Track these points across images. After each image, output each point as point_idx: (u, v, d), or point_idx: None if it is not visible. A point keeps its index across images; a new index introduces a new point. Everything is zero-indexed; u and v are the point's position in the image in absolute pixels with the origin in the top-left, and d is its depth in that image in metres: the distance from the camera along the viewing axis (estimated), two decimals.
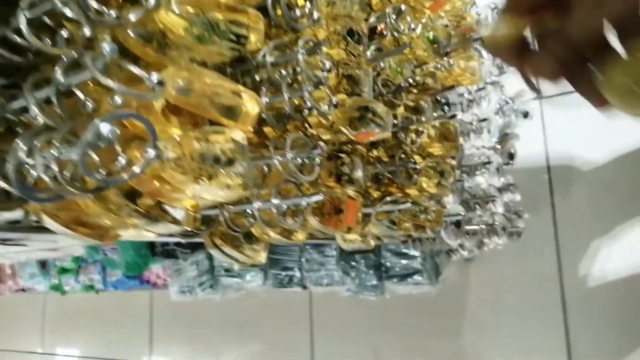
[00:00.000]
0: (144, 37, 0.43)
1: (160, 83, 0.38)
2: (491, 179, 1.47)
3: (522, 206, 1.69)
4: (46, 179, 0.41)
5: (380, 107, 0.72)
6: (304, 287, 1.93)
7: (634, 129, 1.91)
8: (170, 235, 0.71)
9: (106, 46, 0.34)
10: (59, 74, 0.38)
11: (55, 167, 0.40)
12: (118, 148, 0.42)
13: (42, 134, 0.40)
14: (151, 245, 1.79)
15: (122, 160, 0.42)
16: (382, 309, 2.16)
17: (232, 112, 0.45)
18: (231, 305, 2.23)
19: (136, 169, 0.40)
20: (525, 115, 1.76)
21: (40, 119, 0.40)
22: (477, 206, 1.49)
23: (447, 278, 1.89)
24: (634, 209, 1.88)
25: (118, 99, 0.41)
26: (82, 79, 0.38)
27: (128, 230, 0.51)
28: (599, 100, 0.52)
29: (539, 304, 1.99)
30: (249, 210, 0.69)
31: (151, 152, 0.39)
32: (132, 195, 0.48)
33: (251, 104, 0.46)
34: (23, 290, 2.58)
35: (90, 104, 0.43)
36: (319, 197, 0.62)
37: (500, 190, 1.57)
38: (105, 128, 0.34)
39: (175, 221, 0.48)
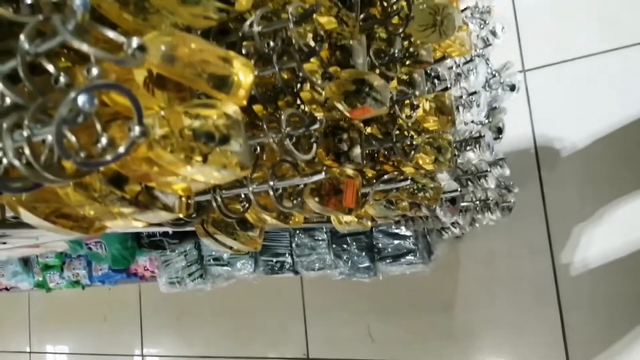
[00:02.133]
0: (120, 0, 0.38)
1: (141, 48, 0.33)
2: (483, 154, 1.45)
3: (510, 181, 1.67)
4: (18, 165, 0.36)
5: (377, 80, 0.67)
6: (296, 273, 1.90)
7: (619, 102, 1.91)
8: (160, 224, 0.67)
9: (76, 1, 0.29)
10: (24, 42, 0.33)
11: (28, 151, 0.35)
12: (99, 126, 0.37)
13: (11, 115, 0.35)
14: (137, 236, 1.74)
15: (103, 140, 0.37)
16: (374, 290, 2.14)
17: (223, 83, 0.40)
18: (222, 295, 2.20)
19: (120, 149, 0.35)
20: (513, 88, 1.74)
21: (8, 97, 0.35)
22: (469, 182, 1.47)
23: (439, 256, 1.88)
24: (620, 179, 1.88)
25: (95, 70, 0.36)
26: (51, 45, 0.33)
27: (115, 221, 0.47)
28: None
29: (530, 278, 1.99)
30: (243, 195, 0.65)
31: (136, 129, 0.35)
32: (117, 181, 0.43)
33: (244, 73, 0.41)
34: (7, 289, 2.51)
35: (63, 79, 0.38)
36: (320, 176, 0.58)
37: (491, 165, 1.55)
38: (83, 99, 0.30)
39: (166, 208, 0.44)
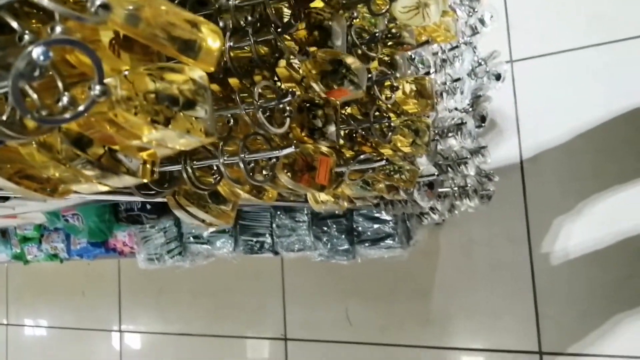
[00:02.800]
0: None
1: (105, 6, 0.33)
2: (464, 141, 1.46)
3: (492, 170, 1.69)
4: None
5: (355, 63, 0.67)
6: (276, 253, 1.90)
7: (605, 96, 1.93)
8: (130, 193, 0.66)
9: None
10: None
11: None
12: (60, 83, 0.37)
13: None
14: (115, 211, 1.72)
15: (65, 99, 0.37)
16: (353, 273, 2.16)
17: (189, 47, 0.40)
18: (201, 272, 2.20)
19: (80, 107, 0.35)
20: (498, 77, 1.74)
21: None
22: (449, 169, 1.48)
23: (418, 242, 1.90)
24: (602, 172, 1.91)
25: (58, 28, 0.36)
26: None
27: (79, 184, 0.46)
28: None
29: (507, 267, 2.02)
30: (215, 167, 0.65)
31: (97, 88, 0.34)
32: (81, 142, 0.43)
33: (212, 38, 0.41)
34: None
35: (28, 37, 0.38)
36: (290, 149, 0.58)
37: (472, 153, 1.56)
38: (37, 52, 0.29)
39: (130, 172, 0.44)
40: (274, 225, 1.86)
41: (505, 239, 2.04)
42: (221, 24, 0.66)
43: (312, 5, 0.73)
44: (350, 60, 0.70)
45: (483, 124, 1.70)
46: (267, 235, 1.88)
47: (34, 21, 0.53)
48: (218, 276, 2.56)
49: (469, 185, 1.49)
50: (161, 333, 2.78)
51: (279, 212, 1.84)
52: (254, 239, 1.91)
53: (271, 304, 2.46)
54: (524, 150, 2.04)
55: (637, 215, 1.84)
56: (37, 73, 0.31)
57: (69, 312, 3.11)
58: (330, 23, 0.76)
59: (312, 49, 0.71)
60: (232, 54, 0.66)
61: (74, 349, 3.07)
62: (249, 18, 0.66)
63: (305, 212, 1.82)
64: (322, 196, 0.93)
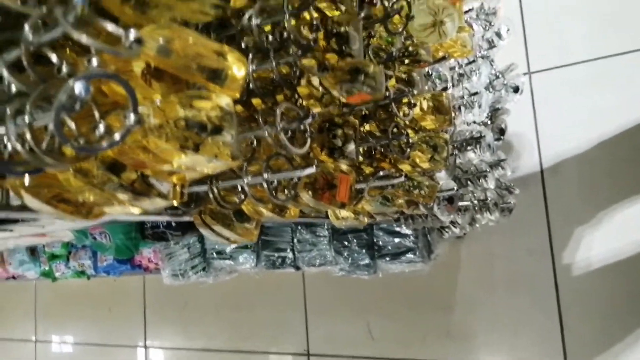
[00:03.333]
0: None
1: (139, 41, 0.35)
2: (483, 154, 1.46)
3: (512, 182, 1.68)
4: (21, 149, 0.38)
5: (372, 68, 0.69)
6: (297, 268, 1.92)
7: (623, 106, 1.91)
8: (158, 213, 0.69)
9: None
10: (28, 32, 0.36)
11: (29, 136, 0.37)
12: (96, 113, 0.39)
13: (14, 101, 0.37)
14: (141, 228, 1.76)
15: (101, 127, 0.39)
16: (374, 287, 2.16)
17: (217, 76, 0.42)
18: (225, 288, 2.22)
19: (116, 136, 0.37)
20: (516, 90, 1.74)
21: (12, 85, 0.38)
22: (469, 182, 1.48)
23: (439, 255, 1.90)
24: (622, 184, 1.89)
25: (94, 61, 0.38)
26: (53, 36, 0.35)
27: (113, 207, 0.49)
28: None
29: (530, 280, 2.00)
30: (239, 187, 0.67)
31: (131, 117, 0.37)
32: (115, 168, 0.45)
33: (237, 67, 0.43)
34: (13, 277, 2.55)
35: (65, 69, 0.41)
36: (311, 170, 0.60)
37: (492, 166, 1.56)
38: (79, 87, 0.32)
39: (161, 195, 0.46)
40: (295, 240, 1.88)
41: (527, 251, 2.02)
42: (243, 45, 0.68)
43: (332, 13, 0.76)
44: (366, 65, 0.72)
45: (502, 137, 1.69)
46: (289, 250, 1.90)
47: (67, 51, 0.56)
48: (241, 291, 2.58)
49: (489, 198, 1.49)
50: (185, 349, 2.80)
51: (300, 227, 1.86)
52: (276, 254, 1.92)
53: (294, 319, 2.47)
54: (544, 161, 2.03)
55: None
56: (77, 106, 0.34)
57: (96, 328, 3.15)
58: (346, 29, 0.78)
59: (330, 56, 0.73)
60: (254, 75, 0.68)
61: None
62: (270, 38, 0.69)
63: (326, 227, 1.83)
64: (343, 212, 0.94)
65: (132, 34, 0.36)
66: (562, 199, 1.98)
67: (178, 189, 0.47)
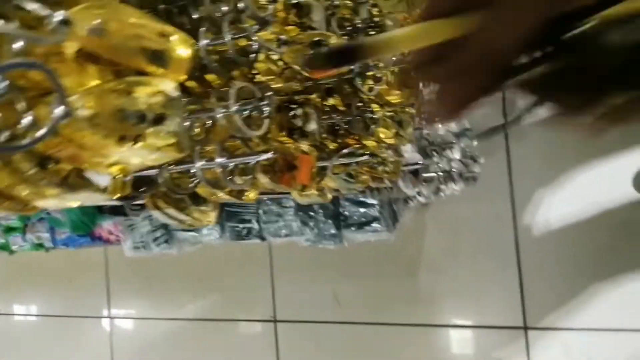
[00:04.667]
0: None
1: (65, 22, 0.31)
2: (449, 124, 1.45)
3: (477, 151, 1.69)
4: None
5: (334, 40, 0.65)
6: (263, 239, 1.90)
7: None
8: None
9: None
10: None
11: None
12: (21, 105, 0.35)
13: None
14: None
15: (26, 120, 0.35)
16: (341, 255, 2.17)
17: (159, 58, 0.38)
18: (190, 258, 2.19)
19: (41, 131, 0.33)
20: None
21: None
22: (434, 153, 1.47)
23: (404, 223, 1.91)
24: (586, 153, 1.91)
25: (16, 45, 0.33)
26: None
27: (47, 201, 0.44)
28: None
29: (493, 245, 2.04)
30: (192, 170, 0.63)
31: (59, 109, 0.33)
32: (45, 162, 0.41)
33: (182, 47, 0.39)
34: None
35: None
36: (268, 155, 0.57)
37: (457, 135, 1.55)
38: None
39: (99, 189, 0.42)
40: (260, 211, 1.85)
41: (491, 218, 2.05)
42: (197, 15, 0.64)
43: None
44: (328, 37, 0.68)
45: None
46: (254, 221, 1.87)
47: None
48: (207, 261, 2.56)
49: (454, 169, 1.49)
50: (152, 318, 2.78)
51: (265, 199, 1.83)
52: (241, 225, 1.89)
53: (260, 287, 2.47)
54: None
55: (619, 187, 1.86)
56: None
57: (58, 299, 3.09)
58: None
59: (291, 29, 0.69)
60: (208, 49, 0.63)
61: (63, 335, 3.07)
62: (224, 8, 0.64)
63: (292, 197, 1.80)
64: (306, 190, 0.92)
65: (58, 15, 0.32)
66: (526, 167, 2.01)
67: (119, 182, 0.43)
